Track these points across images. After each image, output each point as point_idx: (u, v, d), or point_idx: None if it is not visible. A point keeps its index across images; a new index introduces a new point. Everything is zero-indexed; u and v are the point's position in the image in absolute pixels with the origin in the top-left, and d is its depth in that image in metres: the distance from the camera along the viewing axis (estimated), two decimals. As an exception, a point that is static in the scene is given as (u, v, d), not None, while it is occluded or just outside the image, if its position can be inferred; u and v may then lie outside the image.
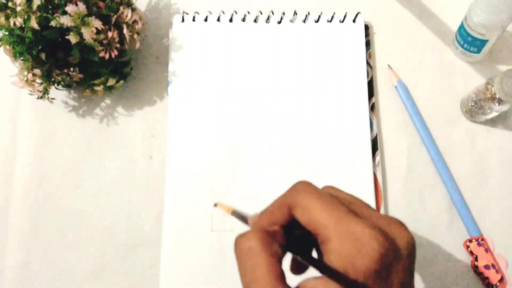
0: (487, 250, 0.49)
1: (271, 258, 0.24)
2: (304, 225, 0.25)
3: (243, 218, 0.29)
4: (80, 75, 0.50)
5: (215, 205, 0.34)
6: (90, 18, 0.46)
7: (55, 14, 0.46)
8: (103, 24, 0.47)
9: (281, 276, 0.24)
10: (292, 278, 0.26)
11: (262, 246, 0.24)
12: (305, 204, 0.25)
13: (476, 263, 0.49)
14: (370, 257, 0.22)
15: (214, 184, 0.50)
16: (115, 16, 0.49)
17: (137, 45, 0.52)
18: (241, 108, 0.53)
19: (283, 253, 0.25)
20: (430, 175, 0.52)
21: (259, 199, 0.50)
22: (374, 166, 0.51)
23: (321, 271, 0.23)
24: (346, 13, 0.56)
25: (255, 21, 0.56)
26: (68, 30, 0.46)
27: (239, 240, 0.25)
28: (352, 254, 0.22)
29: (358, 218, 0.24)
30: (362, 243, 0.23)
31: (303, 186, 0.26)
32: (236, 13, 0.56)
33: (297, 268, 0.29)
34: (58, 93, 0.54)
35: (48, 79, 0.49)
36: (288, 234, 0.26)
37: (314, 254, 0.27)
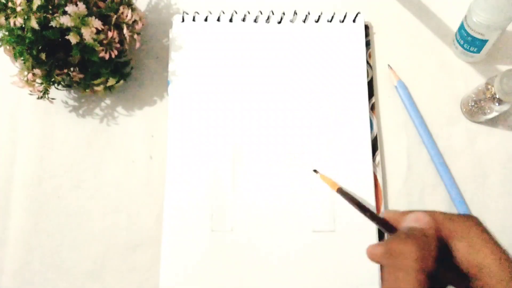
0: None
1: None
2: (459, 262, 0.23)
3: (357, 203, 0.26)
4: (80, 75, 0.50)
5: (315, 171, 0.31)
6: (90, 18, 0.46)
7: (55, 14, 0.46)
8: (103, 24, 0.47)
9: None
10: None
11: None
12: (476, 242, 0.23)
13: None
14: None
15: (214, 184, 0.50)
16: (115, 16, 0.49)
17: (137, 45, 0.52)
18: (241, 108, 0.53)
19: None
20: (430, 175, 0.52)
21: (259, 199, 0.50)
22: (374, 166, 0.51)
23: None
24: (346, 13, 0.56)
25: (255, 21, 0.56)
26: (68, 30, 0.46)
27: (397, 273, 0.23)
28: None
29: None
30: None
31: (476, 222, 0.24)
32: (236, 13, 0.56)
33: None
34: (58, 93, 0.54)
35: (48, 79, 0.49)
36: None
37: None
